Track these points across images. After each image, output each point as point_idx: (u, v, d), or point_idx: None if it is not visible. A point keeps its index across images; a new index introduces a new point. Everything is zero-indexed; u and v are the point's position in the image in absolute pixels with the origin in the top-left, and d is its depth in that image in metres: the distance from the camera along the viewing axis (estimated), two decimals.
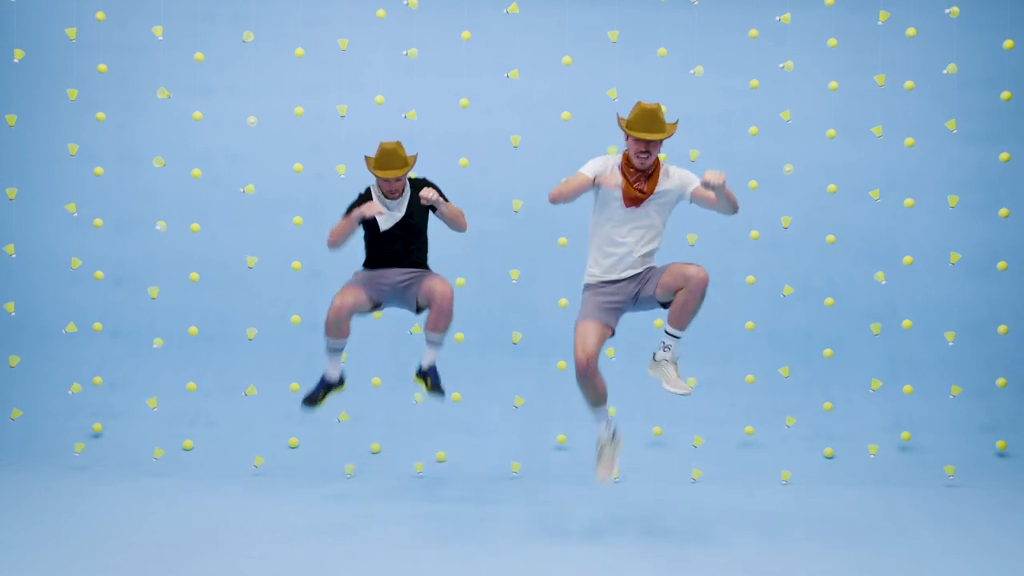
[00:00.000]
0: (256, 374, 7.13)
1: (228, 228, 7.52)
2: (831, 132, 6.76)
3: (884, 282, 6.82)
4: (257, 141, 7.42)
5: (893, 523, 5.47)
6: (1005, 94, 6.44)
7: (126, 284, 7.50)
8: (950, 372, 7.26)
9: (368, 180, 5.82)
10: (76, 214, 6.78)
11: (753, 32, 6.71)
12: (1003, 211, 6.63)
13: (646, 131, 4.90)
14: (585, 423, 5.13)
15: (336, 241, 5.59)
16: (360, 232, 5.65)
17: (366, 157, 5.60)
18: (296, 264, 6.90)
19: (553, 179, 6.94)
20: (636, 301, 5.08)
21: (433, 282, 5.50)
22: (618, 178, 4.91)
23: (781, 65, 6.75)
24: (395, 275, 5.60)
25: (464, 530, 5.27)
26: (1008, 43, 6.40)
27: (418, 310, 5.62)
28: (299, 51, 6.70)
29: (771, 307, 7.35)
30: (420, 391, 5.69)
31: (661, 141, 4.96)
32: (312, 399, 5.61)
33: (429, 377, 5.58)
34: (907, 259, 6.73)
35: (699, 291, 4.84)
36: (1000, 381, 6.69)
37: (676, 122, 5.05)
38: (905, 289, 7.48)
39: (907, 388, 6.87)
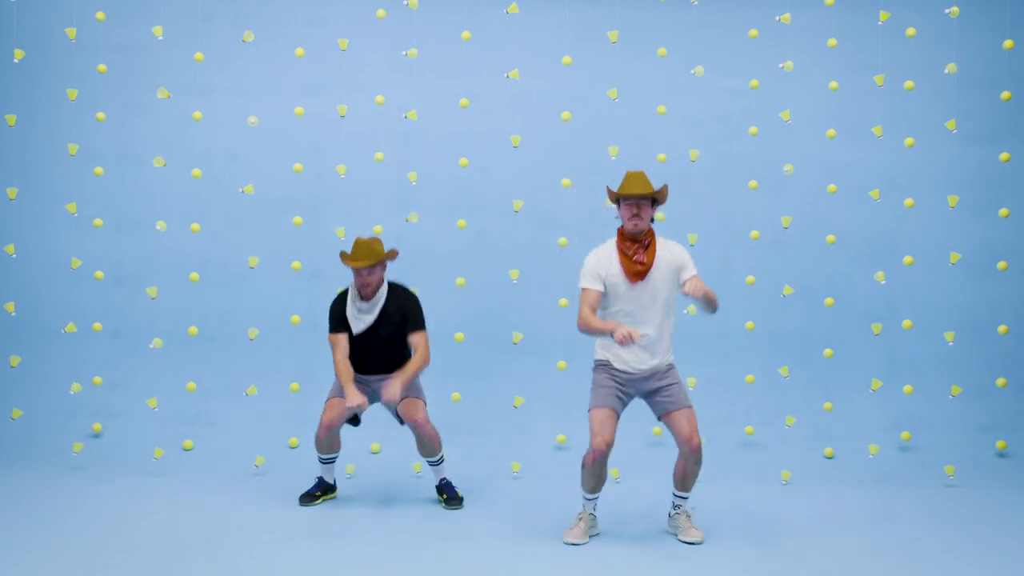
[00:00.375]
0: (256, 374, 7.14)
1: (228, 228, 7.51)
2: (831, 132, 6.76)
3: (884, 282, 6.82)
4: (257, 141, 7.43)
5: (893, 523, 5.47)
6: (1005, 94, 6.44)
7: (126, 284, 7.49)
8: (950, 372, 7.25)
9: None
10: (76, 214, 6.78)
11: (753, 32, 6.72)
12: (1003, 211, 6.63)
13: (632, 189, 4.99)
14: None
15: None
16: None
17: (341, 252, 5.63)
18: (296, 264, 6.90)
19: (553, 179, 6.99)
20: (646, 398, 5.16)
21: (412, 409, 5.62)
22: (615, 260, 5.01)
23: (781, 65, 6.75)
24: (376, 382, 5.72)
25: (464, 530, 5.27)
26: (1008, 43, 6.41)
27: (401, 422, 5.75)
28: (299, 51, 6.70)
29: (771, 307, 7.35)
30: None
31: (651, 204, 5.03)
32: (310, 496, 5.74)
33: (444, 491, 5.75)
34: (907, 259, 6.73)
35: (694, 460, 5.05)
36: (1000, 381, 6.69)
37: (665, 186, 5.10)
38: (905, 289, 7.47)
39: (907, 388, 6.87)
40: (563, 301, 6.65)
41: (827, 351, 6.81)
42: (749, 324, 6.90)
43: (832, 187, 6.84)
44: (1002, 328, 6.64)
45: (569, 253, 7.04)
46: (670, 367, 5.13)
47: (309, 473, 6.02)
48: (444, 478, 5.79)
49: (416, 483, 6.19)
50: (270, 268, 7.34)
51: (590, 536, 5.15)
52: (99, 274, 6.72)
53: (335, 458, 5.78)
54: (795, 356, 7.31)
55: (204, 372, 7.30)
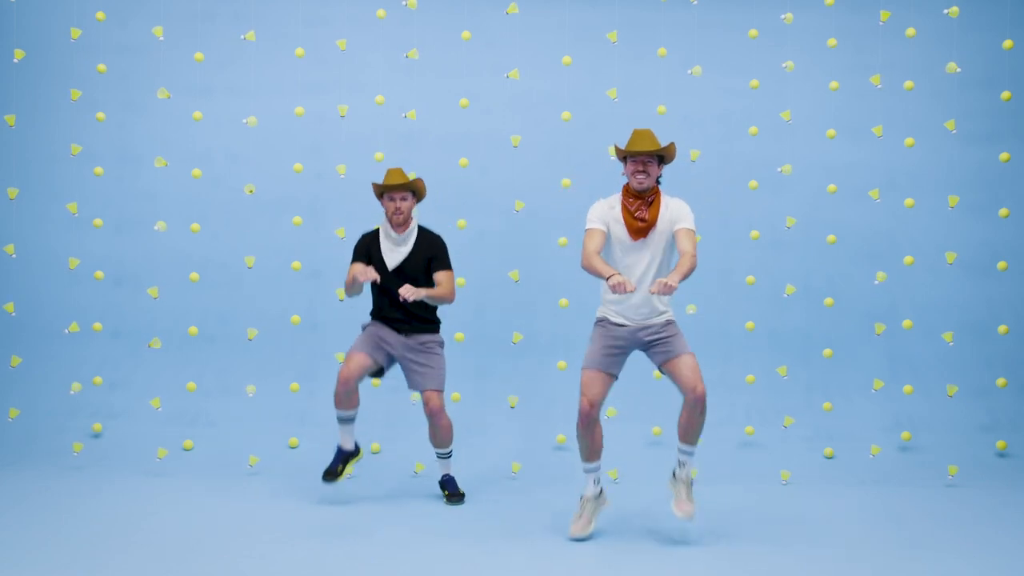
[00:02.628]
0: (256, 374, 7.14)
1: (228, 228, 7.51)
2: (831, 132, 6.76)
3: (881, 281, 6.80)
4: (257, 141, 7.42)
5: (893, 523, 5.47)
6: (1005, 94, 6.44)
7: (126, 284, 7.49)
8: (950, 372, 7.25)
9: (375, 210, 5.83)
10: (76, 214, 6.78)
11: (753, 32, 6.72)
12: (1003, 211, 6.63)
13: (639, 146, 4.98)
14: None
15: (348, 295, 5.77)
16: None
17: (373, 184, 5.77)
18: (296, 264, 6.90)
19: (553, 179, 6.99)
20: (645, 350, 5.12)
21: (427, 396, 5.66)
22: (618, 213, 5.00)
23: (783, 64, 6.75)
24: (399, 345, 5.72)
25: (464, 530, 5.27)
26: (1008, 43, 6.40)
27: (410, 386, 5.79)
28: (299, 51, 6.70)
29: (771, 307, 7.35)
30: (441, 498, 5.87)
31: (657, 161, 5.01)
32: (332, 473, 5.73)
33: (447, 487, 5.79)
34: (907, 259, 6.73)
35: (699, 409, 4.95)
36: (1000, 381, 6.69)
37: (672, 143, 5.07)
38: (905, 289, 7.47)
39: (907, 388, 6.87)
40: (563, 301, 6.65)
41: (827, 351, 6.81)
42: (749, 324, 6.90)
43: (832, 187, 6.84)
44: (1002, 328, 6.63)
45: (569, 253, 7.07)
46: (668, 322, 5.08)
47: (309, 472, 6.02)
48: (449, 474, 5.82)
49: (416, 483, 6.19)
50: (270, 268, 7.34)
51: (602, 510, 5.13)
52: (99, 274, 6.72)
53: (354, 416, 5.70)
54: (795, 356, 7.31)
55: (204, 372, 7.30)
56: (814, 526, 5.38)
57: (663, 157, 5.05)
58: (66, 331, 6.73)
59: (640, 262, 5.02)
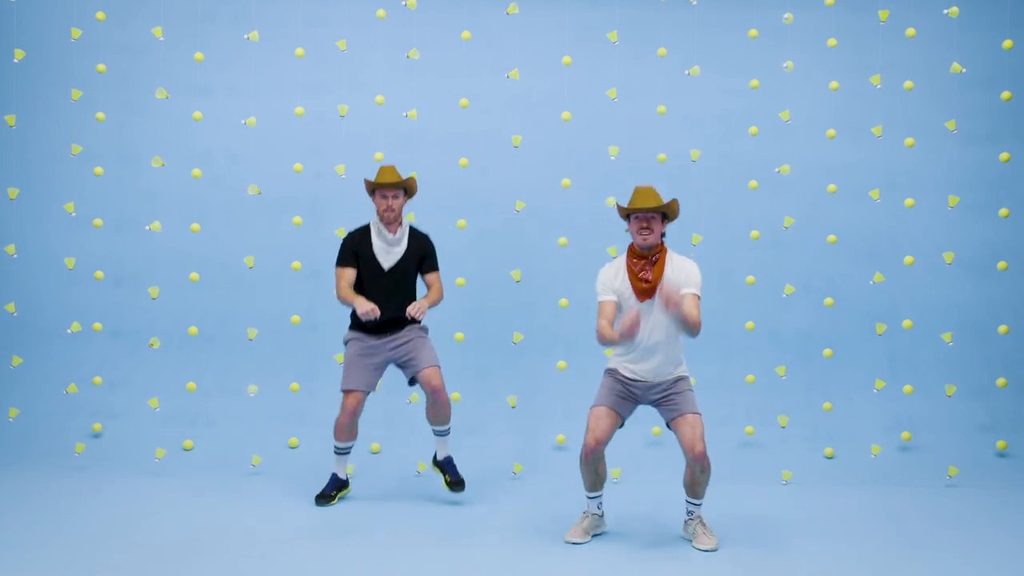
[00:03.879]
0: (256, 374, 7.13)
1: (228, 228, 7.51)
2: (831, 132, 6.76)
3: (878, 282, 6.81)
4: (257, 141, 7.43)
5: (893, 523, 5.47)
6: (1005, 94, 6.44)
7: (126, 284, 7.49)
8: (950, 372, 7.25)
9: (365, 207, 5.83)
10: (75, 214, 6.78)
11: (753, 32, 6.71)
12: (1003, 211, 6.63)
13: (641, 203, 4.96)
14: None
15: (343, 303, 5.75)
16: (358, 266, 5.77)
17: (365, 180, 5.76)
18: (296, 264, 6.90)
19: (553, 179, 6.99)
20: (654, 406, 5.14)
21: (427, 373, 5.64)
22: (624, 277, 5.01)
23: (783, 64, 6.74)
24: (387, 349, 5.72)
25: (464, 530, 5.26)
26: (1008, 43, 6.40)
27: (411, 382, 5.77)
28: (299, 51, 6.70)
29: (771, 307, 7.35)
30: (440, 480, 5.87)
31: (661, 217, 4.99)
32: (325, 496, 5.73)
33: (447, 471, 5.76)
34: (908, 259, 6.73)
35: (699, 468, 4.96)
36: (1000, 381, 6.68)
37: (675, 200, 5.05)
38: (905, 289, 7.47)
39: (907, 388, 6.87)
40: (563, 301, 6.65)
41: (827, 351, 6.80)
42: (749, 324, 6.90)
43: (832, 187, 6.84)
44: (1002, 328, 6.63)
45: (569, 253, 7.08)
46: (679, 379, 5.10)
47: (309, 472, 6.02)
48: (448, 455, 5.79)
49: (416, 483, 6.19)
50: (270, 268, 7.34)
51: (593, 535, 5.15)
52: (99, 274, 6.72)
53: (351, 448, 5.76)
54: (795, 356, 7.31)
55: (204, 372, 7.30)
56: (814, 526, 5.38)
57: (667, 214, 5.02)
58: (68, 331, 6.73)
59: (648, 322, 4.99)
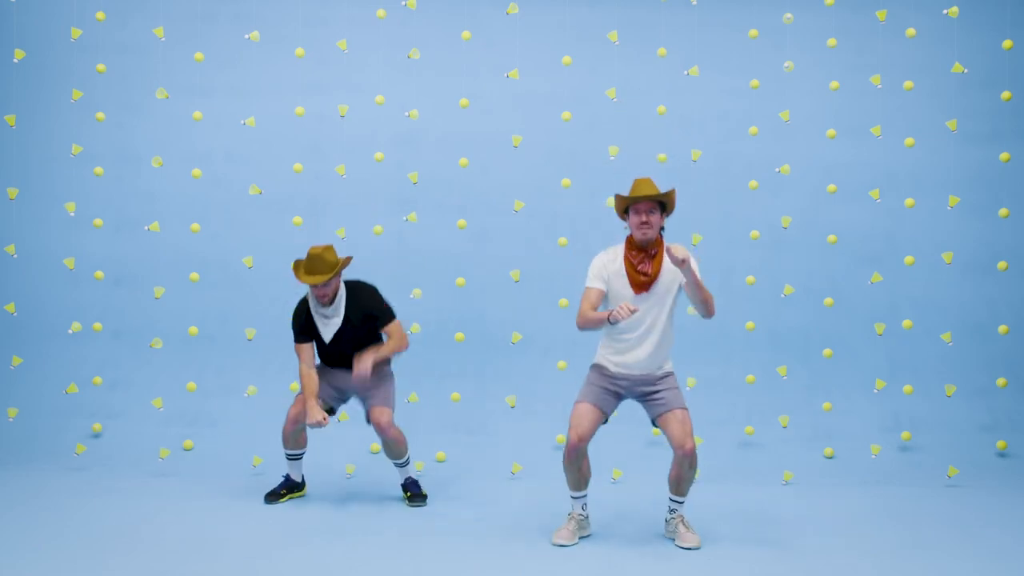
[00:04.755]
0: (256, 374, 7.14)
1: (228, 228, 7.51)
2: (831, 132, 6.76)
3: (878, 282, 6.80)
4: (257, 141, 7.43)
5: (893, 523, 5.47)
6: (1005, 94, 6.44)
7: (126, 284, 7.49)
8: (950, 372, 7.25)
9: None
10: (75, 214, 6.78)
11: (753, 32, 6.72)
12: (1003, 211, 6.63)
13: (641, 191, 4.92)
14: None
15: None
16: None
17: (295, 262, 5.62)
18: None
19: (554, 179, 6.99)
20: (639, 400, 5.12)
21: (375, 412, 5.64)
22: (620, 266, 4.97)
23: (783, 64, 6.74)
24: (346, 381, 5.72)
25: (464, 530, 5.26)
26: (1008, 43, 6.40)
27: (367, 419, 5.76)
28: (299, 51, 6.70)
29: (771, 307, 7.35)
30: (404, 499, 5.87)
31: (661, 213, 4.96)
32: (274, 495, 5.75)
33: (409, 490, 5.79)
34: (908, 259, 6.73)
35: (687, 464, 4.95)
36: (1000, 381, 6.69)
37: (673, 190, 5.01)
38: (905, 289, 7.47)
39: (907, 388, 6.87)
40: (563, 301, 6.65)
41: (827, 351, 6.81)
42: (749, 324, 6.90)
43: (832, 187, 6.84)
44: (1002, 328, 6.64)
45: (569, 253, 7.06)
46: (666, 375, 5.08)
47: (308, 473, 6.01)
48: (409, 477, 5.83)
49: None
50: (270, 268, 7.34)
51: (580, 538, 5.12)
52: (99, 274, 6.73)
53: (302, 455, 5.81)
54: (795, 356, 7.31)
55: (204, 372, 7.30)
56: (814, 526, 5.38)
57: (664, 205, 4.99)
58: (69, 331, 6.73)
59: (643, 316, 4.97)
